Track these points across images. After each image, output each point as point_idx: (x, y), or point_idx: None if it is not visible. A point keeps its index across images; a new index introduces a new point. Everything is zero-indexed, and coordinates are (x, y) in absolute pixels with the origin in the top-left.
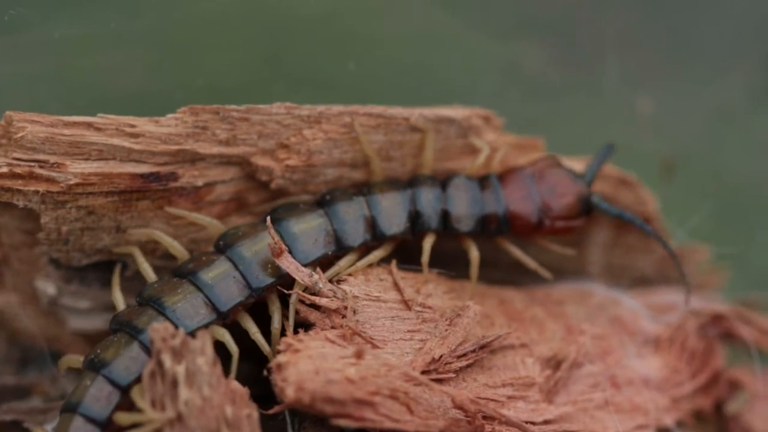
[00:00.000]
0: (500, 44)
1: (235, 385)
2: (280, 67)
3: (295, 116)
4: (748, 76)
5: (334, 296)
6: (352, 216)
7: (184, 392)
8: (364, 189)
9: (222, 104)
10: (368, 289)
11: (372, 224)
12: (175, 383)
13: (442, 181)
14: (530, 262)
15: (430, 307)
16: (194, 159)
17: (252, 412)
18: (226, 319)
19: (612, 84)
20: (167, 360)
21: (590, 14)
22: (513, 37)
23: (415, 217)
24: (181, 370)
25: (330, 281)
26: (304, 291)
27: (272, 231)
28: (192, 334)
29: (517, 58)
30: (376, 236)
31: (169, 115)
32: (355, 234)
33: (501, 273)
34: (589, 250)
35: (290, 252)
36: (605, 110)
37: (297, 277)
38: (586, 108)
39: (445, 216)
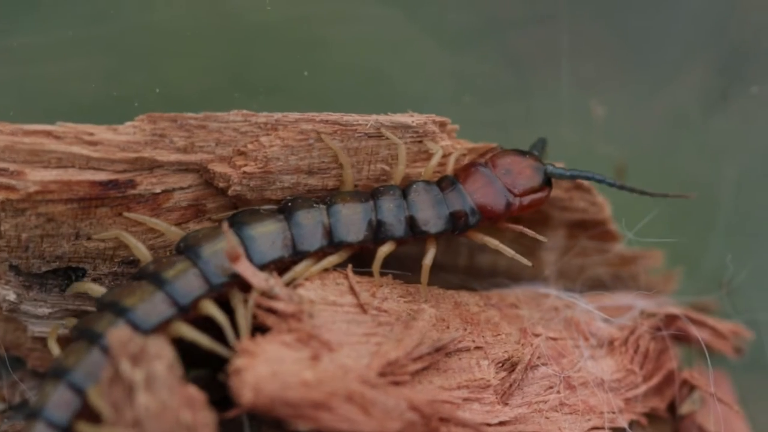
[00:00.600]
0: (455, 50)
1: (192, 389)
2: (237, 76)
3: (252, 123)
4: (701, 80)
5: (290, 300)
6: (310, 222)
7: (142, 397)
8: (327, 198)
9: (180, 112)
10: (324, 293)
11: (329, 231)
12: (133, 388)
13: (403, 189)
14: (507, 251)
15: (385, 311)
16: (152, 166)
17: (209, 416)
18: (188, 313)
19: (566, 88)
20: (125, 365)
21: (544, 19)
22: (467, 42)
23: (377, 226)
24: (139, 374)
25: (287, 285)
26: (260, 295)
27: (229, 235)
28: (153, 330)
29: (471, 64)
30: (333, 243)
31: (128, 123)
32: (312, 239)
33: (456, 277)
34: (544, 253)
35: (247, 252)
36: (560, 115)
37: (253, 282)
38: (541, 113)
39: (412, 221)
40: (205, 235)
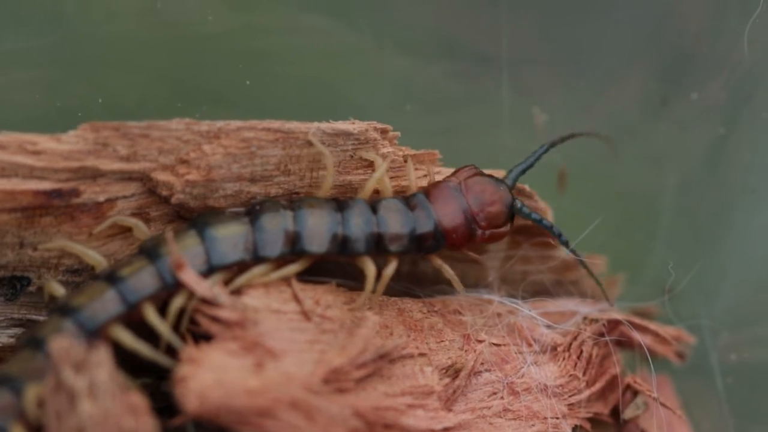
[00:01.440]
0: (397, 59)
1: (134, 396)
2: (179, 86)
3: (194, 132)
4: (641, 86)
5: (235, 308)
6: (274, 227)
7: (85, 405)
8: (295, 203)
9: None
10: (268, 301)
11: (293, 239)
12: (75, 396)
13: (372, 205)
14: (458, 285)
15: (329, 318)
16: (95, 175)
17: (152, 422)
18: (133, 310)
19: (507, 96)
20: (68, 373)
21: (485, 28)
22: (410, 51)
23: (342, 241)
24: (81, 382)
25: (233, 292)
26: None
27: (173, 245)
28: (98, 330)
29: (413, 72)
30: (295, 251)
31: (71, 132)
32: (273, 245)
33: (400, 284)
34: (487, 260)
35: (208, 253)
36: (501, 122)
37: (196, 291)
38: (483, 120)
39: (379, 239)
40: (168, 238)
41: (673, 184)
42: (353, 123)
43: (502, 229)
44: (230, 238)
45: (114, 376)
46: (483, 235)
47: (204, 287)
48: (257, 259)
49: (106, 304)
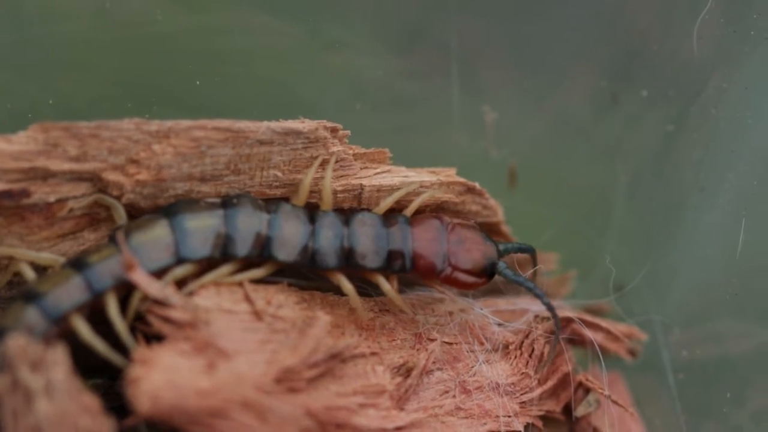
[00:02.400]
0: (347, 58)
1: (88, 397)
2: (129, 86)
3: (144, 132)
4: (592, 83)
5: (186, 309)
6: (247, 227)
7: (41, 404)
8: (272, 206)
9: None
10: (220, 301)
11: (263, 243)
12: (32, 395)
13: (346, 218)
14: (406, 310)
15: (281, 318)
16: (46, 176)
17: (108, 422)
18: (98, 299)
19: (458, 95)
20: (24, 372)
21: (435, 27)
22: (359, 51)
23: (313, 253)
24: (38, 381)
25: (189, 293)
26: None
27: (124, 246)
28: (62, 319)
29: (363, 72)
30: (263, 254)
31: (20, 133)
32: (243, 245)
33: (351, 283)
34: None
35: (178, 246)
36: (452, 121)
37: (148, 292)
38: (434, 119)
39: (349, 252)
40: (138, 225)
41: (624, 181)
42: (303, 122)
43: (473, 279)
44: (202, 230)
45: (71, 376)
46: (450, 275)
47: (155, 288)
48: (225, 256)
49: (71, 290)
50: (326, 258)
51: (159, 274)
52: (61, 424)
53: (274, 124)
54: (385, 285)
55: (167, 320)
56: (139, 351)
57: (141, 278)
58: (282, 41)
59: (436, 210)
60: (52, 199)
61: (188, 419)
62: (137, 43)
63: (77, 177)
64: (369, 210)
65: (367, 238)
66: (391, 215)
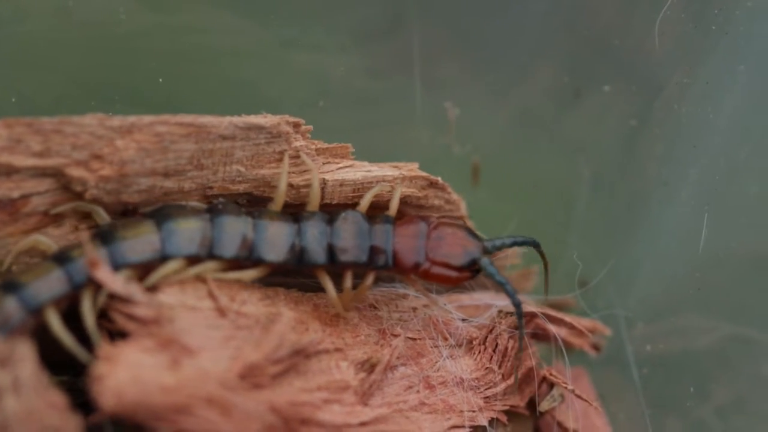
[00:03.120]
0: (309, 56)
1: (54, 393)
2: (92, 85)
3: (107, 127)
4: (554, 78)
5: (150, 306)
6: (233, 229)
7: (9, 401)
8: (255, 212)
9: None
10: (184, 297)
11: (250, 245)
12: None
13: (330, 217)
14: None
15: (244, 315)
16: (9, 171)
17: (76, 420)
18: (78, 290)
19: (420, 91)
20: None
21: (396, 23)
22: (321, 48)
23: (300, 252)
24: (6, 378)
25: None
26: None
27: (88, 245)
28: (39, 310)
29: (326, 69)
30: (251, 257)
31: None
32: (230, 246)
33: (315, 280)
34: None
35: (164, 244)
36: (414, 117)
37: (112, 288)
38: (396, 115)
39: (331, 250)
40: (123, 223)
41: (587, 176)
42: (265, 117)
43: (453, 273)
44: (188, 230)
45: (38, 372)
46: (428, 269)
47: (119, 285)
48: (212, 257)
49: (51, 283)
50: (314, 256)
51: (144, 269)
52: (28, 420)
53: (237, 119)
54: (347, 282)
55: (131, 317)
56: (104, 348)
57: (105, 275)
58: (245, 39)
59: (400, 203)
60: (15, 195)
61: (153, 416)
62: (100, 41)
63: (41, 173)
64: (353, 209)
65: (350, 235)
66: (375, 214)
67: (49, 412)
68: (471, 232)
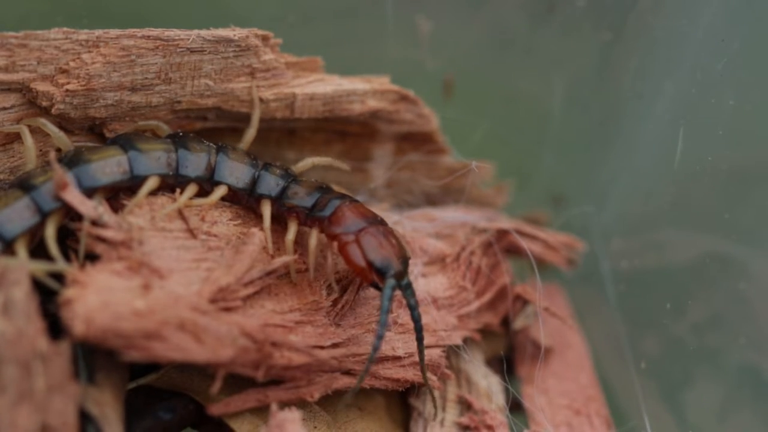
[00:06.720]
0: None
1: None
2: (58, 0)
3: (73, 41)
4: None
5: (120, 228)
6: (196, 152)
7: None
8: (219, 144)
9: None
10: (153, 218)
11: (212, 168)
12: None
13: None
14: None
15: (215, 235)
16: None
17: (65, 347)
18: (45, 219)
19: (391, 5)
20: None
21: None
22: None
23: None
24: None
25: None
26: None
27: (56, 165)
28: (13, 241)
29: None
30: (212, 179)
31: None
32: (195, 167)
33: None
34: (372, 167)
35: (131, 165)
36: (385, 32)
37: (81, 210)
38: (367, 30)
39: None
40: (89, 149)
41: (560, 91)
42: (234, 30)
43: (362, 262)
44: (154, 152)
45: (30, 297)
46: (349, 241)
47: (88, 206)
48: (177, 177)
49: (21, 212)
50: (268, 185)
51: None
52: (17, 344)
53: (205, 32)
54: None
55: (100, 239)
56: (73, 271)
57: (73, 197)
58: None
59: (370, 117)
60: None
61: (123, 342)
62: None
63: (6, 88)
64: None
65: (303, 186)
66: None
67: (40, 338)
68: (404, 259)
